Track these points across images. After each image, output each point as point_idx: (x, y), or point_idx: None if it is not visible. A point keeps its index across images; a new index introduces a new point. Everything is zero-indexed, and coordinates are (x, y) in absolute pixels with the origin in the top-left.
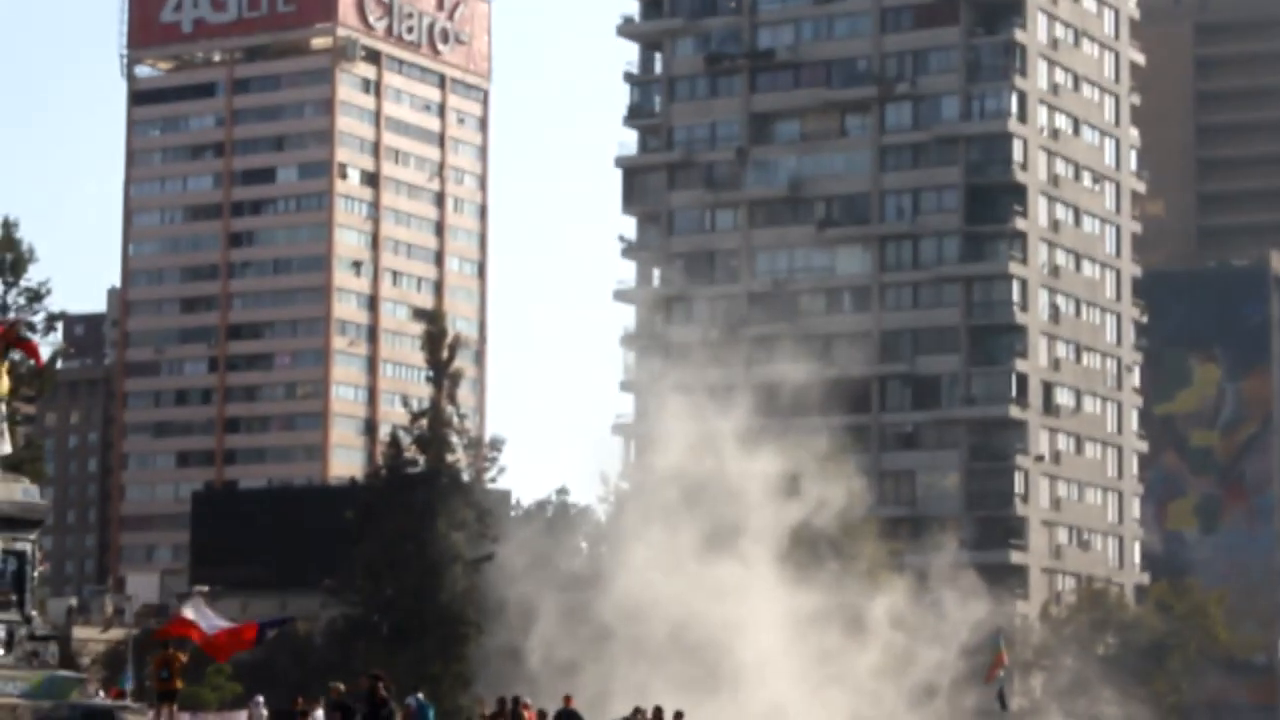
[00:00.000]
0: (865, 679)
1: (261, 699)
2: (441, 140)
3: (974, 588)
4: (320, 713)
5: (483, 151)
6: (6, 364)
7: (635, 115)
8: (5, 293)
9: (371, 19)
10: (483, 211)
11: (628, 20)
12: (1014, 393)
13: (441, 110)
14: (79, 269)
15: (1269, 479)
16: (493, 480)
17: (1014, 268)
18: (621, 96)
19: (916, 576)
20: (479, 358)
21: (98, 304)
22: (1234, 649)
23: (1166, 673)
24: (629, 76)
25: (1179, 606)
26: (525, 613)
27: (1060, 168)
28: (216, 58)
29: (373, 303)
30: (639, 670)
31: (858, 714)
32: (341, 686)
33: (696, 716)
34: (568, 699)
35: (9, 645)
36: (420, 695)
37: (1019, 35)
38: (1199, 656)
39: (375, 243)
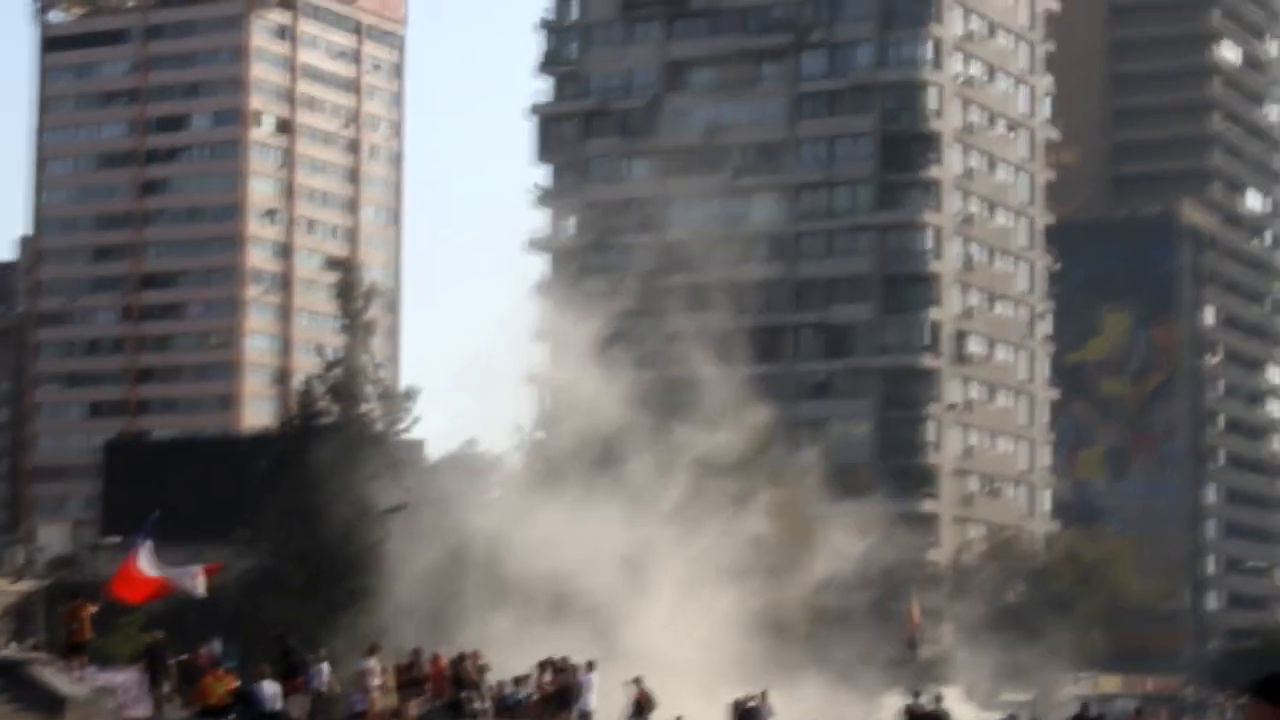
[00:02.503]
0: (763, 624)
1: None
2: (356, 87)
3: (884, 535)
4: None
5: (397, 99)
6: None
7: (550, 63)
8: None
9: None
10: (397, 159)
11: None
12: (926, 342)
13: (356, 57)
14: None
15: (1177, 427)
16: (406, 431)
17: (927, 216)
18: (537, 44)
19: (826, 523)
20: (393, 307)
21: (8, 252)
22: (1142, 597)
23: (1075, 620)
24: (544, 23)
25: (1088, 554)
26: (431, 564)
27: (974, 115)
28: (130, 3)
29: (286, 251)
30: (539, 623)
31: (752, 658)
32: (159, 634)
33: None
34: (475, 654)
35: None
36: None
37: None
38: (1108, 604)
39: (289, 191)
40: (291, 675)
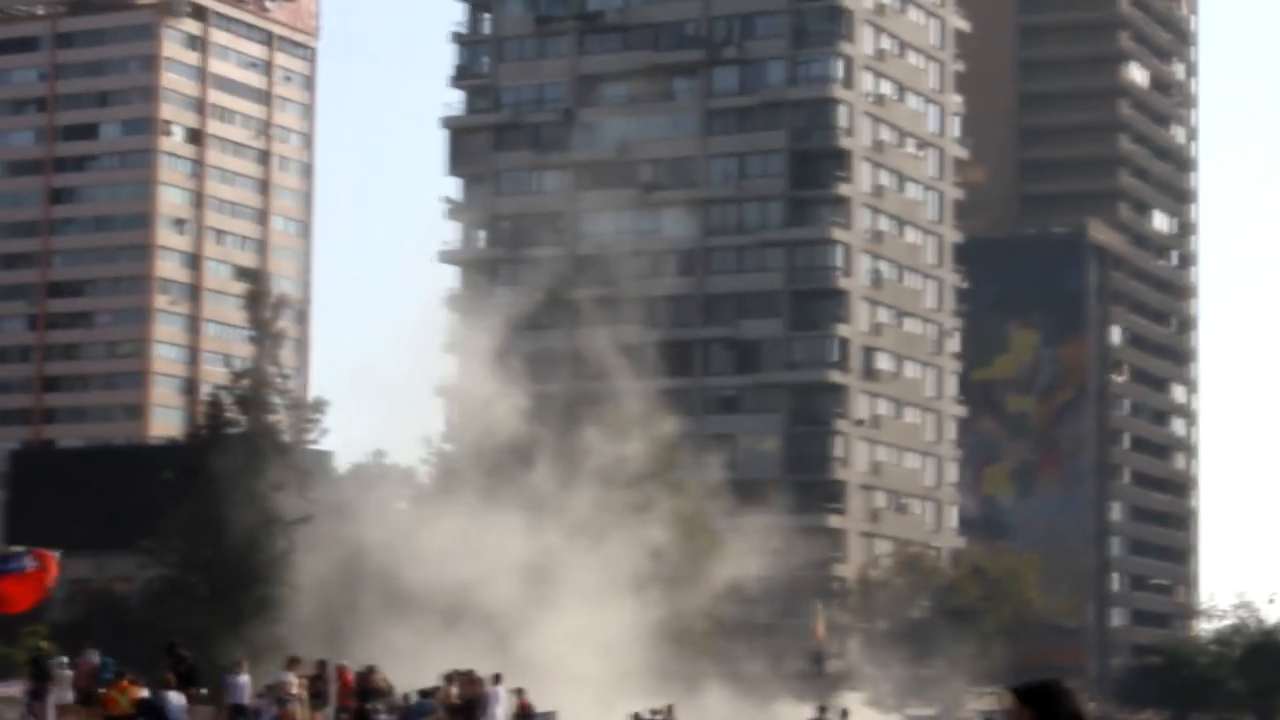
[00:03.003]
0: (666, 635)
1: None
2: (267, 98)
3: (790, 549)
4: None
5: (309, 110)
6: None
7: (462, 76)
8: None
9: None
10: (308, 170)
11: None
12: (835, 357)
13: (267, 68)
14: None
15: (1083, 445)
16: (314, 442)
17: (837, 233)
18: (449, 56)
19: (735, 538)
20: (302, 318)
21: None
22: (1047, 612)
23: (980, 635)
24: (457, 36)
25: (993, 570)
26: (337, 575)
27: (884, 134)
28: (40, 11)
29: (195, 261)
30: (438, 635)
31: (655, 668)
32: (43, 645)
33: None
34: (372, 669)
35: None
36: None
37: (845, 1)
38: (1013, 620)
39: (199, 201)
40: (184, 685)
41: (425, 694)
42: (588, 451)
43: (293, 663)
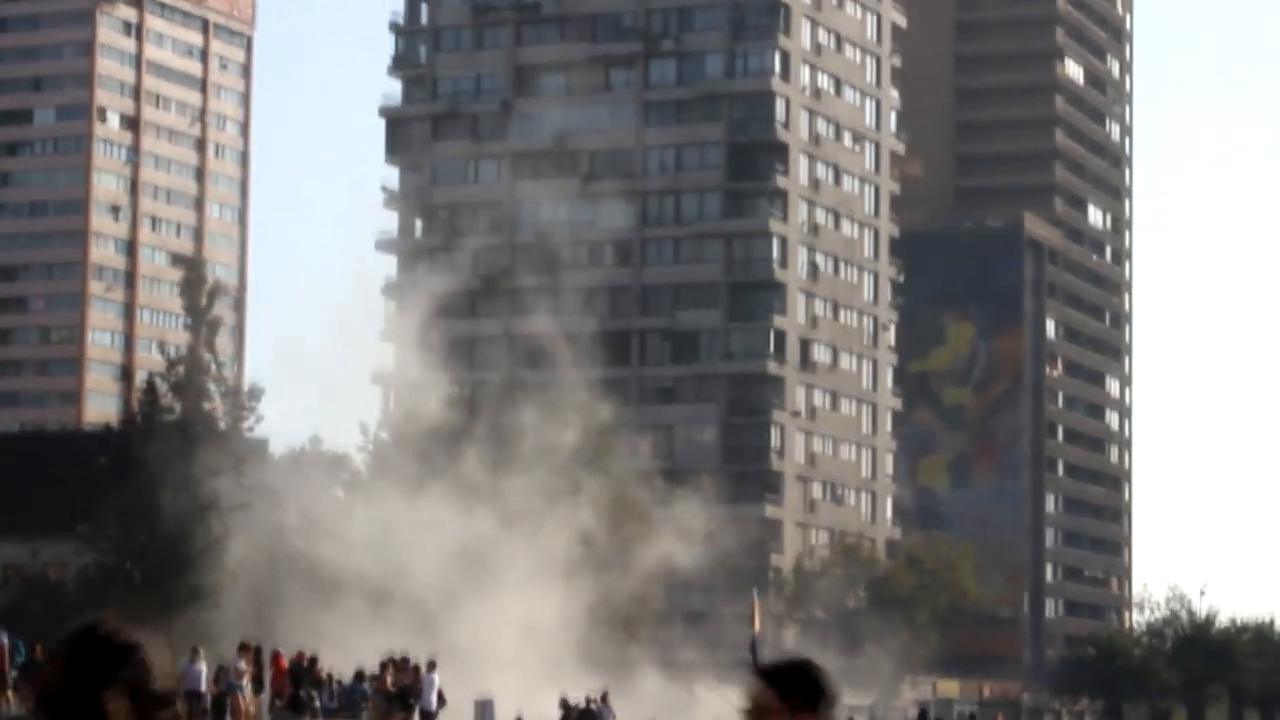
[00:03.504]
0: (599, 622)
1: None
2: (203, 86)
3: (727, 538)
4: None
5: (245, 98)
6: None
7: (400, 65)
8: None
9: None
10: (244, 158)
11: None
12: (772, 349)
13: (204, 55)
14: None
15: (1019, 436)
16: (250, 429)
17: (774, 225)
18: (387, 46)
19: (671, 529)
20: (238, 304)
21: None
22: (982, 602)
23: (916, 625)
24: (394, 26)
25: (929, 560)
26: (267, 561)
27: (821, 127)
28: None
29: (131, 248)
30: (367, 620)
31: (588, 655)
32: None
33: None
34: (300, 654)
35: None
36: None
37: None
38: (948, 609)
39: (134, 187)
40: None
41: (360, 678)
42: (522, 438)
43: (244, 648)
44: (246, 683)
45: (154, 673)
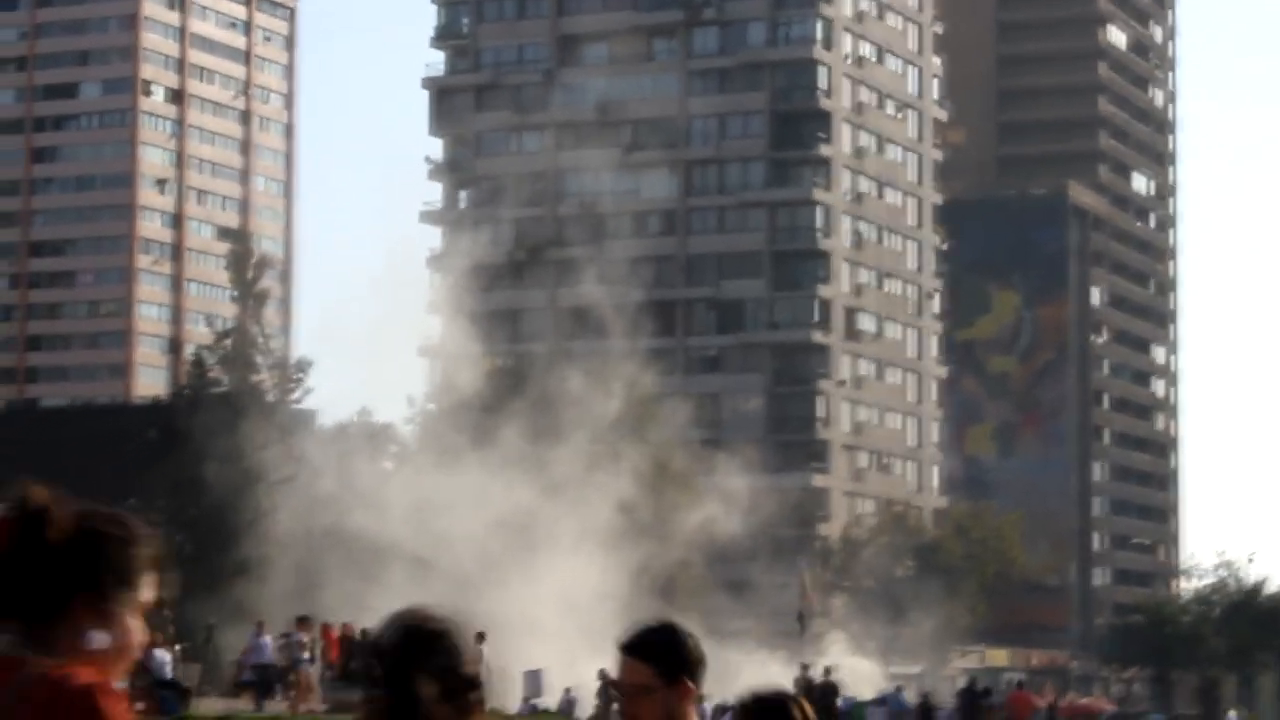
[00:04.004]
0: (644, 592)
1: None
2: (247, 58)
3: (774, 508)
4: None
5: (289, 70)
6: None
7: (443, 36)
8: None
9: None
10: (289, 130)
11: None
12: (817, 318)
13: (248, 28)
14: None
15: (1064, 404)
16: (298, 401)
17: (818, 194)
18: (430, 17)
19: (714, 497)
20: (285, 277)
21: None
22: (1029, 571)
23: (963, 594)
24: None
25: (976, 530)
26: (321, 535)
27: (864, 95)
28: None
29: (177, 221)
30: (411, 594)
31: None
32: None
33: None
34: (346, 625)
35: None
36: None
37: None
38: (995, 578)
39: (180, 160)
40: (169, 643)
41: None
42: (567, 408)
43: (302, 622)
44: (306, 656)
45: (466, 656)
